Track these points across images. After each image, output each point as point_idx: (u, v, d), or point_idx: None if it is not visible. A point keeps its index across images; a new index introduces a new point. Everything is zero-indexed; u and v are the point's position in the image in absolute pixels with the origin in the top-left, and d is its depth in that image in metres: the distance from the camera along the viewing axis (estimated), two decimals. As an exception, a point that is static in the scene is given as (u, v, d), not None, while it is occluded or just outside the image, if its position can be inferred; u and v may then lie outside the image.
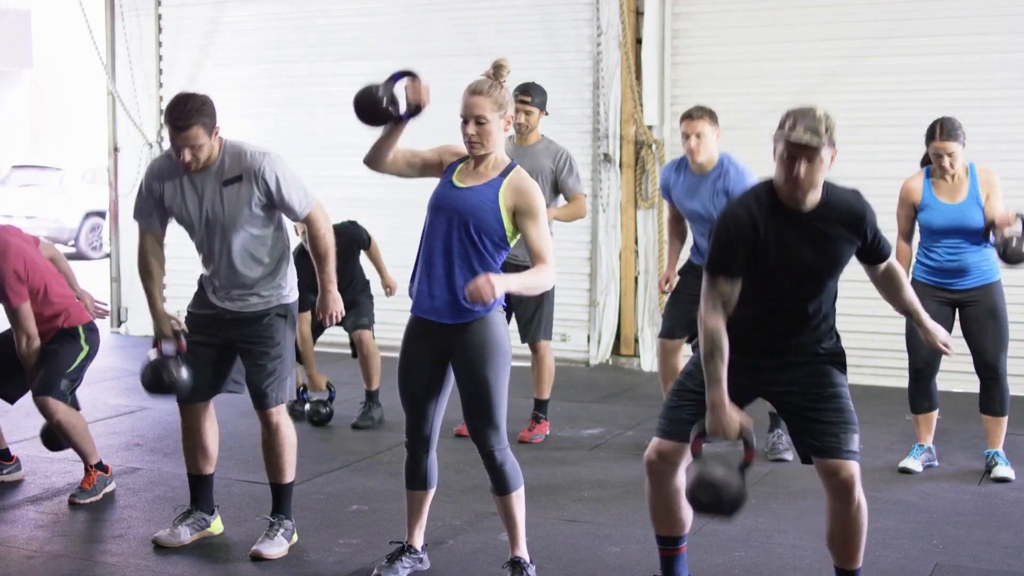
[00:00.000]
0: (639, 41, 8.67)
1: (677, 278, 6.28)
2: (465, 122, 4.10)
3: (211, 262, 4.63)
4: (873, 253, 3.84)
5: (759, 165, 8.38)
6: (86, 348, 5.42)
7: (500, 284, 3.88)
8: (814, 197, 3.68)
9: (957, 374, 6.92)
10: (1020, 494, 5.55)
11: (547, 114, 6.60)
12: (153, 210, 4.63)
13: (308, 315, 6.67)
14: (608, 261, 8.88)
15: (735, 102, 8.54)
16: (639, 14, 8.66)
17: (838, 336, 3.90)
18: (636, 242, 8.85)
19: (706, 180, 5.90)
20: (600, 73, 8.81)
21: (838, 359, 3.86)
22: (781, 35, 8.38)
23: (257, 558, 4.58)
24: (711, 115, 5.89)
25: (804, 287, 3.76)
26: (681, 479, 3.87)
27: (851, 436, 3.73)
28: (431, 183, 4.23)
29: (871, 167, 8.14)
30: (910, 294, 3.99)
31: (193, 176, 4.53)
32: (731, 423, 3.68)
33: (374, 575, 4.35)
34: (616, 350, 8.99)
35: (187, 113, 4.39)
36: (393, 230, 8.58)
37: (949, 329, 5.83)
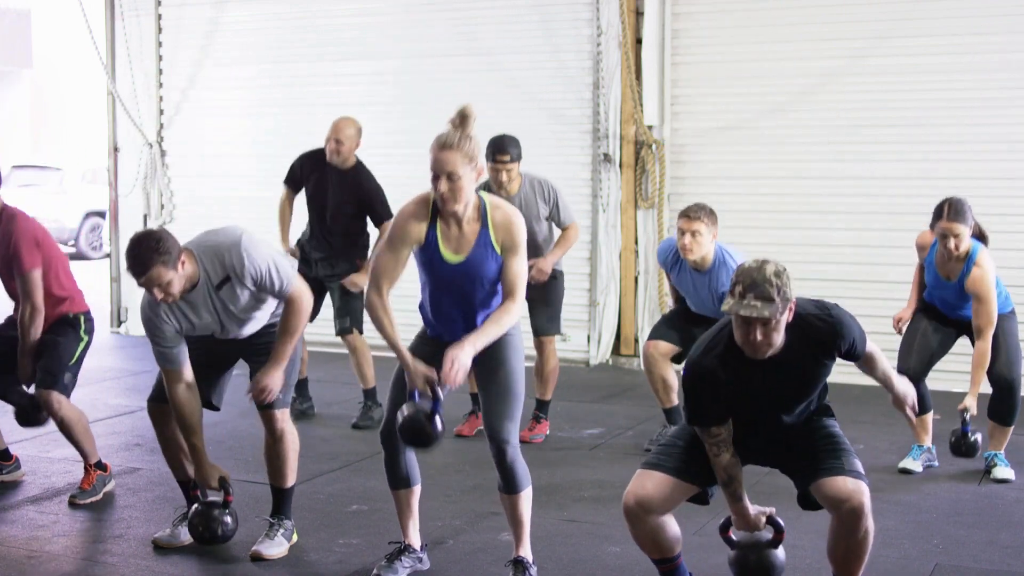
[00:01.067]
0: (639, 41, 8.66)
1: None
2: (436, 177, 3.95)
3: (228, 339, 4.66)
4: (850, 358, 3.84)
5: (759, 165, 8.49)
6: (85, 339, 5.43)
7: (468, 355, 3.93)
8: (776, 348, 3.65)
9: (958, 374, 6.92)
10: (1020, 494, 5.55)
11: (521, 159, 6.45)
12: (174, 343, 4.47)
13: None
14: (608, 261, 8.88)
15: (735, 102, 8.55)
16: (639, 14, 8.66)
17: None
18: (636, 242, 8.85)
19: (703, 277, 5.92)
20: (600, 73, 8.81)
21: (825, 411, 3.93)
22: (781, 35, 8.37)
23: (257, 558, 4.58)
24: (710, 215, 5.83)
25: (784, 412, 3.81)
26: (660, 518, 3.87)
27: (853, 459, 3.74)
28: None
29: (871, 167, 8.16)
30: (884, 369, 3.97)
31: (185, 296, 4.43)
32: (757, 523, 3.82)
33: (374, 575, 4.36)
34: (616, 350, 8.99)
35: (142, 258, 4.24)
36: (387, 231, 8.59)
37: (948, 347, 5.95)
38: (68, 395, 5.30)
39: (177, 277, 4.29)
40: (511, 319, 4.05)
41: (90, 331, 5.47)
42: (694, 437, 3.88)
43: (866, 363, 3.94)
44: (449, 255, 4.06)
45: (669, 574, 3.99)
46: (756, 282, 3.52)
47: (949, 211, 5.50)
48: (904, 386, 4.04)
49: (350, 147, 6.81)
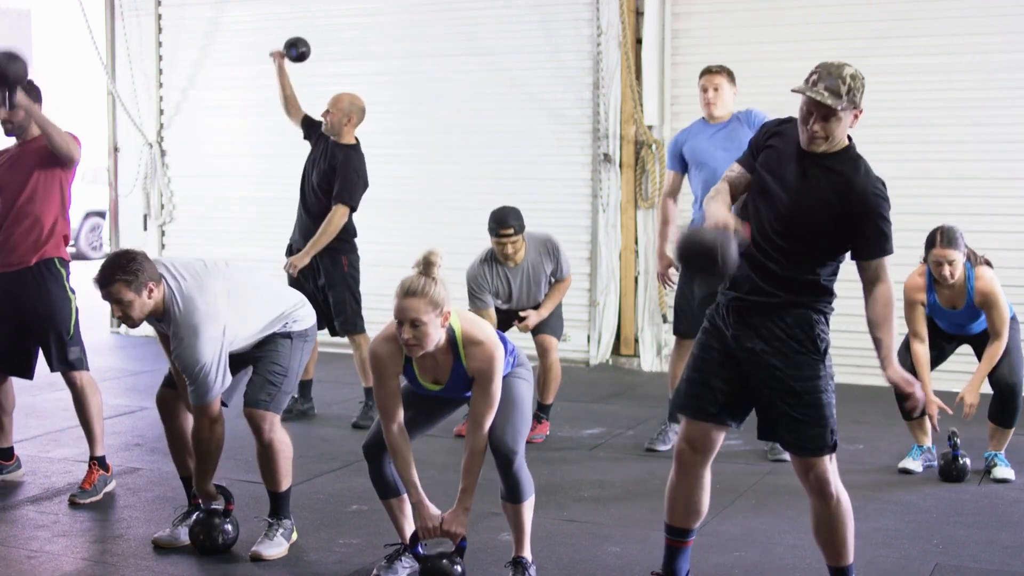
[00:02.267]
0: (639, 41, 8.67)
1: (675, 274, 6.29)
2: (400, 324, 3.90)
3: None
4: (861, 236, 3.73)
5: (759, 165, 8.44)
6: (72, 297, 5.49)
7: (464, 522, 4.09)
8: (827, 148, 3.71)
9: (958, 374, 6.92)
10: (1020, 494, 5.56)
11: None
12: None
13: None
14: (608, 261, 8.88)
15: (735, 102, 8.53)
16: (639, 14, 8.66)
17: (825, 328, 3.83)
18: (636, 242, 8.85)
19: (722, 131, 6.04)
20: (600, 73, 8.81)
21: (820, 347, 3.77)
22: (781, 35, 8.37)
23: (257, 559, 4.58)
24: (730, 73, 6.10)
25: (782, 227, 3.71)
26: (705, 474, 3.89)
27: (826, 432, 3.72)
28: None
29: (871, 167, 8.15)
30: (884, 325, 3.78)
31: (158, 319, 4.49)
32: (720, 214, 3.63)
33: (373, 575, 4.36)
34: (616, 350, 8.99)
35: (107, 271, 4.31)
36: (386, 231, 8.58)
37: (946, 356, 6.03)
38: (86, 367, 5.42)
39: (139, 301, 4.33)
40: (482, 458, 4.08)
41: (70, 283, 5.53)
42: (709, 364, 3.82)
43: (872, 286, 3.79)
44: (429, 384, 4.13)
45: (677, 552, 3.99)
46: (831, 74, 3.64)
47: (941, 239, 5.54)
48: (899, 370, 3.75)
49: (338, 118, 6.84)
